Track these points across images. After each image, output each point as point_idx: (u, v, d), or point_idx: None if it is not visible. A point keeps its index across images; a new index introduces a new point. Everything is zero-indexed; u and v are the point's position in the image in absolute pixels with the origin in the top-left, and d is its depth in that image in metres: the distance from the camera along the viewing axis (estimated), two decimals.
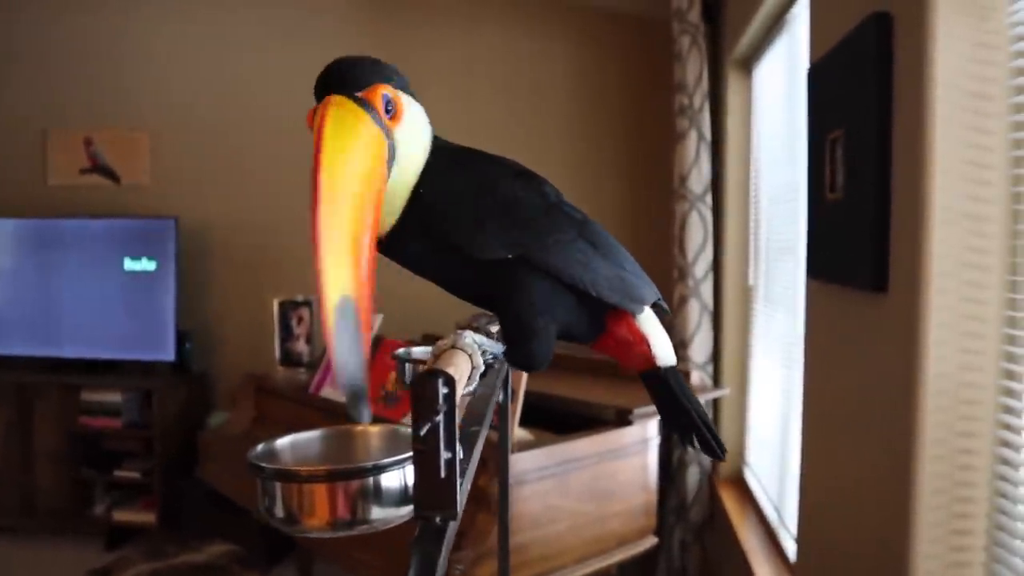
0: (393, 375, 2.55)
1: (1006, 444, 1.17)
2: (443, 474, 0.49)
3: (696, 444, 0.85)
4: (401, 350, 1.07)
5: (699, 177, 3.07)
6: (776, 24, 2.50)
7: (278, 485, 0.57)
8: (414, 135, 0.71)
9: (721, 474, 3.06)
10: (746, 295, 3.03)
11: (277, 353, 2.99)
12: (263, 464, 0.58)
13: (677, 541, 3.11)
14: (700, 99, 3.06)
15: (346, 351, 0.58)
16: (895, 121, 1.30)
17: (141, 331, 3.51)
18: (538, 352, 0.74)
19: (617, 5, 3.72)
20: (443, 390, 0.49)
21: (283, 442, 0.66)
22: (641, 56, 3.65)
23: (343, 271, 0.60)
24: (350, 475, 0.56)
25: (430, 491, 0.50)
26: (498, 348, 0.72)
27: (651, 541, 2.39)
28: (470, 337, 0.68)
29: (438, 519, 0.50)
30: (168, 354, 3.50)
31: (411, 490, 0.57)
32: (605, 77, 3.74)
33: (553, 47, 3.76)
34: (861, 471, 1.45)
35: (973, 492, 1.20)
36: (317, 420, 2.69)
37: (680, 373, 0.84)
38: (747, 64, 2.99)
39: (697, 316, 3.03)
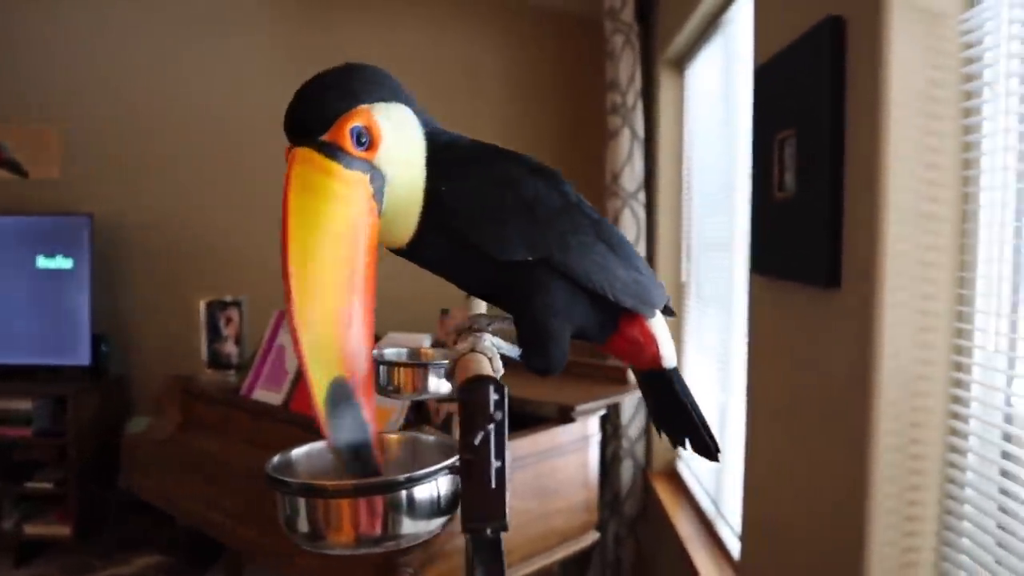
0: None
1: (955, 433, 1.23)
2: (493, 484, 0.48)
3: (687, 445, 0.85)
4: (375, 351, 1.04)
5: (632, 175, 3.10)
6: (711, 25, 2.55)
7: (302, 500, 0.54)
8: (401, 147, 0.66)
9: (655, 468, 3.11)
10: (679, 291, 3.09)
11: (204, 355, 2.89)
12: (286, 478, 0.55)
13: (611, 535, 3.15)
14: (633, 97, 3.10)
15: (348, 433, 0.56)
16: (848, 122, 1.33)
17: (54, 334, 3.34)
18: (555, 355, 0.73)
19: (549, 3, 3.73)
20: (494, 397, 0.47)
21: (299, 452, 0.62)
22: (574, 54, 3.67)
23: (328, 352, 0.56)
24: (381, 489, 0.53)
25: (480, 502, 0.48)
26: (514, 351, 0.71)
27: (593, 537, 2.41)
28: (489, 340, 0.67)
29: (488, 530, 0.48)
30: (83, 358, 3.34)
31: (442, 502, 0.55)
32: (538, 75, 3.75)
33: (484, 43, 3.75)
34: (813, 464, 1.49)
35: (924, 480, 1.24)
36: (250, 424, 2.61)
37: (680, 374, 0.84)
38: (680, 63, 3.05)
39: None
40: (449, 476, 0.55)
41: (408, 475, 0.53)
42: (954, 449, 1.23)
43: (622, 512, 3.12)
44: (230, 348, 2.89)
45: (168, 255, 3.55)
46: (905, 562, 1.25)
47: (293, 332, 0.56)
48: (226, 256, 3.50)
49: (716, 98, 2.55)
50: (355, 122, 0.62)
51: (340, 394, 0.56)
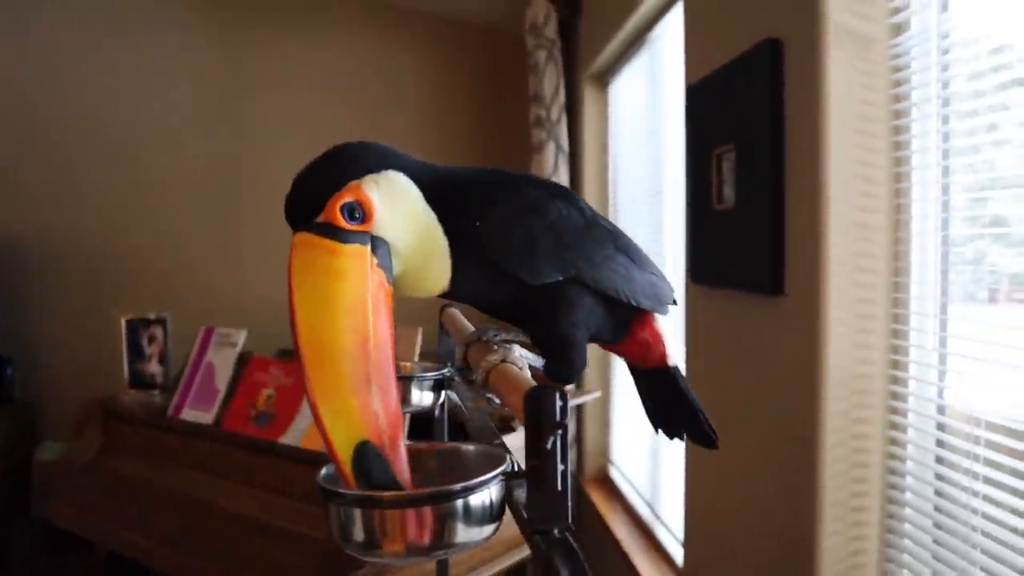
0: (265, 392, 2.45)
1: (895, 427, 1.32)
2: (560, 487, 0.50)
3: (684, 436, 0.90)
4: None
5: None
6: (636, 42, 2.64)
7: (358, 511, 0.55)
8: (397, 209, 0.67)
9: (587, 474, 3.18)
10: None
11: (126, 375, 2.78)
12: (340, 490, 0.56)
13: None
14: (557, 111, 3.17)
15: (375, 485, 0.58)
16: (788, 138, 1.42)
17: None
18: (578, 364, 0.75)
19: (472, 16, 3.77)
20: (559, 404, 0.50)
21: None
22: (498, 67, 3.73)
23: (349, 419, 0.59)
24: (437, 499, 0.55)
25: (546, 505, 0.51)
26: (538, 361, 0.73)
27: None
28: (519, 351, 0.69)
29: (556, 531, 0.51)
30: None
31: (494, 509, 0.57)
32: (462, 88, 3.78)
33: (407, 55, 3.76)
34: (759, 466, 1.57)
35: (868, 473, 1.33)
36: (178, 445, 2.53)
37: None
38: (603, 78, 3.13)
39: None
40: (500, 483, 0.57)
41: (464, 484, 0.55)
42: (894, 442, 1.32)
43: None
44: (154, 367, 2.79)
45: (82, 272, 3.39)
46: (853, 550, 1.33)
47: (313, 407, 0.59)
48: (147, 272, 3.38)
49: (641, 113, 2.64)
50: (345, 199, 0.64)
51: (365, 455, 0.59)
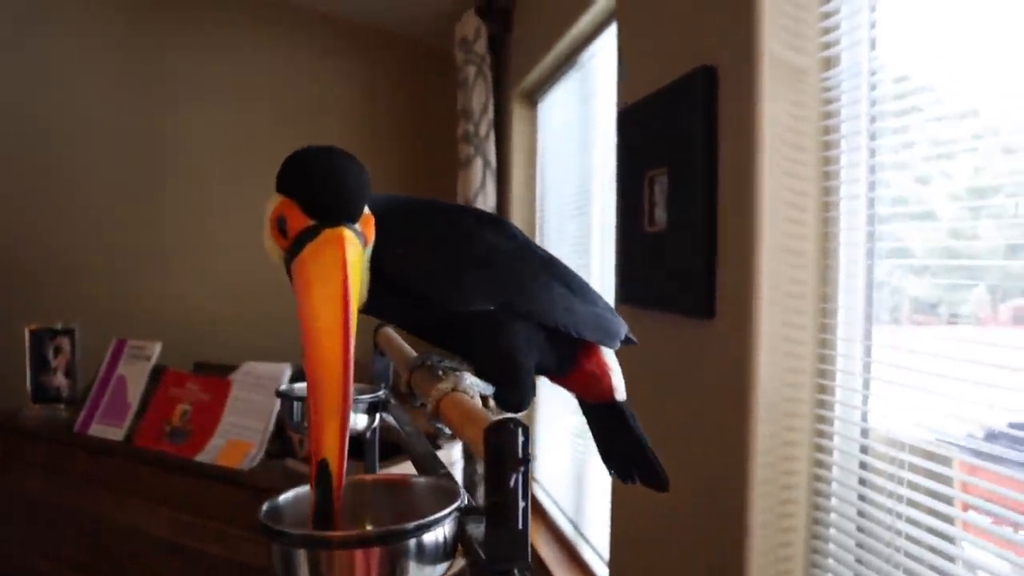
0: (180, 408, 2.36)
1: (820, 449, 1.35)
2: (520, 525, 0.49)
3: (635, 478, 0.88)
4: (284, 387, 1.01)
5: (484, 203, 3.16)
6: (567, 62, 2.66)
7: (302, 552, 0.52)
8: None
9: None
10: None
11: (29, 389, 2.63)
12: (285, 529, 0.53)
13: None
14: (486, 127, 3.17)
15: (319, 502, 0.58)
16: (721, 163, 1.44)
17: None
18: (526, 391, 0.74)
19: (402, 28, 3.74)
20: (521, 439, 0.48)
21: (287, 498, 0.60)
22: (427, 80, 3.70)
23: (328, 435, 0.58)
24: (388, 538, 0.52)
25: (508, 543, 0.49)
26: (489, 389, 0.71)
27: (460, 563, 2.41)
28: (469, 379, 0.67)
29: (516, 571, 0.49)
30: None
31: (447, 546, 0.55)
32: (390, 98, 3.75)
33: (335, 63, 3.70)
34: (688, 485, 1.58)
35: (795, 494, 1.36)
36: (85, 460, 2.41)
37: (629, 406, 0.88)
38: (532, 96, 3.15)
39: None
40: (453, 520, 0.55)
41: (417, 523, 0.52)
42: (820, 464, 1.35)
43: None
44: (59, 380, 2.65)
45: None
46: (779, 571, 1.35)
47: (318, 415, 0.58)
48: (54, 279, 3.21)
49: (571, 132, 2.65)
50: (369, 223, 0.66)
51: (325, 476, 0.57)
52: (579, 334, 0.77)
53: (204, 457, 2.20)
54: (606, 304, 0.83)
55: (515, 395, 0.74)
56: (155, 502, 2.22)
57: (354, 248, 0.62)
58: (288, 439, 2.21)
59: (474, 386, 0.69)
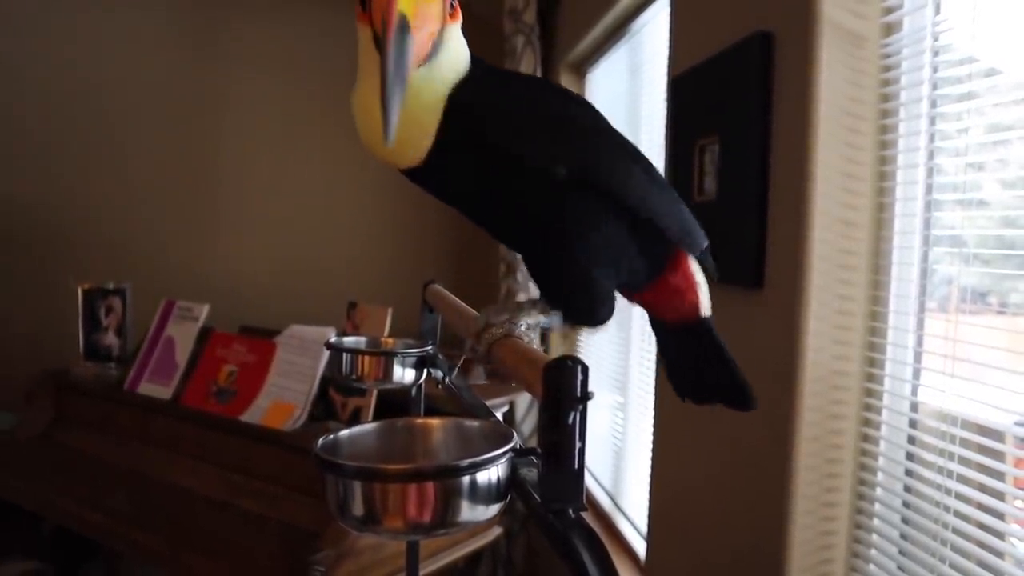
0: (227, 369, 2.40)
1: (868, 424, 1.33)
2: (576, 465, 0.49)
3: (717, 400, 0.82)
4: (333, 339, 1.02)
5: None
6: (617, 32, 2.63)
7: (358, 484, 0.53)
8: (456, 42, 0.66)
9: None
10: None
11: (81, 346, 2.70)
12: (340, 461, 0.54)
13: (503, 530, 3.18)
14: None
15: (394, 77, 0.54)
16: (774, 132, 1.42)
17: None
18: (603, 312, 0.68)
19: None
20: (580, 378, 0.48)
21: (344, 435, 0.61)
22: (475, 51, 3.66)
23: None
24: (442, 473, 0.53)
25: (564, 483, 0.49)
26: (554, 320, 0.67)
27: (496, 532, 2.44)
28: (524, 323, 0.66)
29: (571, 511, 0.49)
30: None
31: (500, 488, 0.55)
32: None
33: None
34: (730, 459, 1.58)
35: (841, 468, 1.34)
36: (134, 419, 2.47)
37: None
38: (581, 67, 3.12)
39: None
40: (507, 461, 0.55)
41: (471, 460, 0.53)
42: (867, 439, 1.33)
43: (513, 508, 3.16)
44: (111, 339, 2.71)
45: (36, 239, 3.27)
46: (822, 544, 1.34)
47: None
48: (106, 241, 3.27)
49: (619, 102, 2.63)
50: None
51: (403, 31, 0.55)
52: (662, 224, 0.69)
53: (248, 417, 2.24)
54: (687, 209, 0.75)
55: (587, 316, 0.67)
56: (200, 460, 2.27)
57: None
58: (331, 402, 2.24)
59: (529, 332, 0.66)
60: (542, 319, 0.67)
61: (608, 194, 0.66)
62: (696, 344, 0.80)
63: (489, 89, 0.65)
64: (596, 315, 0.68)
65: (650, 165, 0.72)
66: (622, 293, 0.74)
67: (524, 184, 0.64)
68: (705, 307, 0.78)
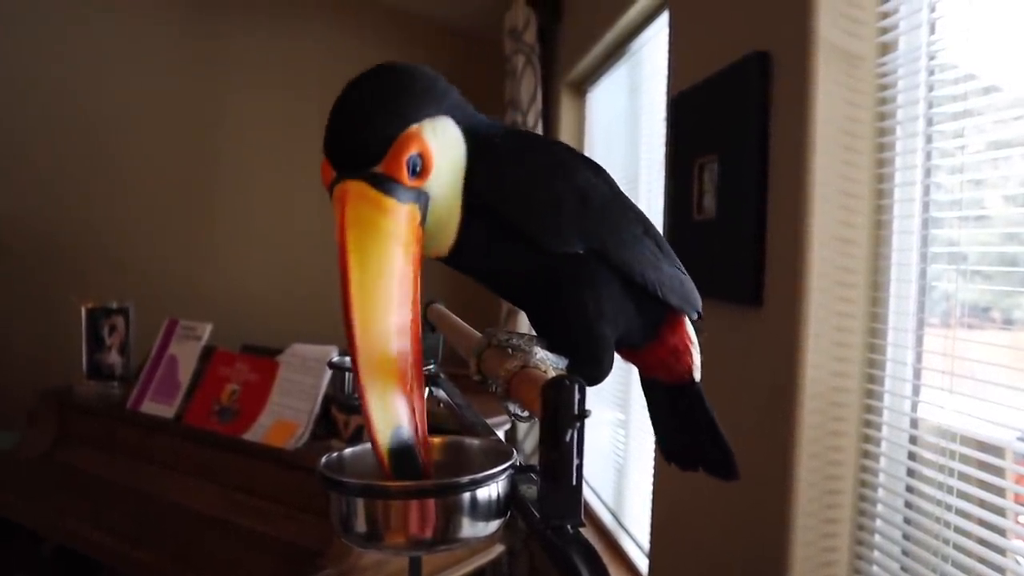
0: (229, 388, 2.40)
1: (868, 440, 1.33)
2: (574, 481, 0.50)
3: (701, 467, 0.83)
4: (336, 359, 1.02)
5: None
6: (616, 52, 2.65)
7: (361, 501, 0.54)
8: (446, 163, 0.60)
9: None
10: None
11: (85, 365, 2.70)
12: (344, 479, 0.55)
13: (505, 548, 3.17)
14: (534, 118, 3.17)
15: (405, 475, 0.56)
16: (772, 150, 1.43)
17: None
18: (606, 362, 0.69)
19: (450, 18, 3.76)
20: (578, 394, 0.49)
21: (348, 452, 0.61)
22: (475, 70, 3.70)
23: (393, 403, 0.56)
24: (443, 491, 0.54)
25: (562, 499, 0.50)
26: (561, 362, 0.68)
27: (499, 549, 2.43)
28: (541, 353, 0.66)
29: (569, 527, 0.50)
30: None
31: (500, 504, 0.56)
32: None
33: (385, 54, 3.69)
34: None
35: (841, 485, 1.35)
36: (137, 438, 2.47)
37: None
38: (581, 86, 3.14)
39: (527, 331, 3.13)
40: (507, 478, 0.56)
41: (472, 477, 0.54)
42: (867, 455, 1.34)
43: (515, 525, 3.15)
44: (114, 358, 2.72)
45: (40, 258, 3.29)
46: (824, 562, 1.34)
47: (361, 387, 0.55)
48: (109, 261, 3.29)
49: (619, 121, 2.65)
50: (411, 151, 0.56)
51: (402, 441, 0.56)
52: (664, 296, 0.70)
53: (251, 436, 2.24)
54: (683, 269, 0.76)
55: (592, 367, 0.68)
56: (203, 479, 2.27)
57: (366, 203, 0.56)
58: (333, 420, 2.24)
59: (546, 360, 0.65)
60: (553, 359, 0.67)
61: (619, 267, 0.68)
62: (684, 407, 0.82)
63: (501, 176, 0.63)
64: (600, 372, 0.69)
65: (656, 232, 0.74)
66: (619, 352, 0.75)
67: (537, 259, 0.65)
68: (698, 371, 0.79)
